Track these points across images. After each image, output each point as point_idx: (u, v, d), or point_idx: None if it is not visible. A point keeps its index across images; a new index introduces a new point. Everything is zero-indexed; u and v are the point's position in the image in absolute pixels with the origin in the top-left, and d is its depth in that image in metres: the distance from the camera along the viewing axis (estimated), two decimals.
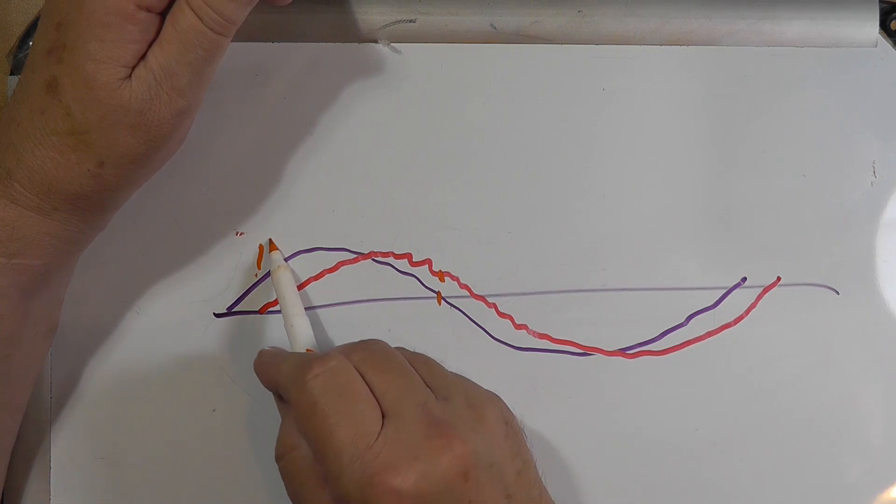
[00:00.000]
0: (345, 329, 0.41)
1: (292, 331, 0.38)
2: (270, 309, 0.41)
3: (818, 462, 0.42)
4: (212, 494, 0.41)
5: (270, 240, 0.41)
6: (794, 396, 0.42)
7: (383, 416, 0.33)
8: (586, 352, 0.41)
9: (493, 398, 0.36)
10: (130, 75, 0.32)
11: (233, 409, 0.41)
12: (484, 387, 0.37)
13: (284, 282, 0.39)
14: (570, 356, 0.41)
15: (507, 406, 0.36)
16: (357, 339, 0.41)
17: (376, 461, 0.31)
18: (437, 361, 0.37)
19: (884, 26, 0.42)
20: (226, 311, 0.41)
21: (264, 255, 0.41)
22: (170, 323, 0.41)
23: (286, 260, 0.41)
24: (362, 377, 0.34)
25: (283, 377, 0.35)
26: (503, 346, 0.41)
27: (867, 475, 0.42)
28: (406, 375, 0.34)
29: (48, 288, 0.36)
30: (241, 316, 0.41)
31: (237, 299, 0.41)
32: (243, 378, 0.41)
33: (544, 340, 0.41)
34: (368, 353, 0.35)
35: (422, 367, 0.36)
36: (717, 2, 0.42)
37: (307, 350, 0.37)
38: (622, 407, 0.41)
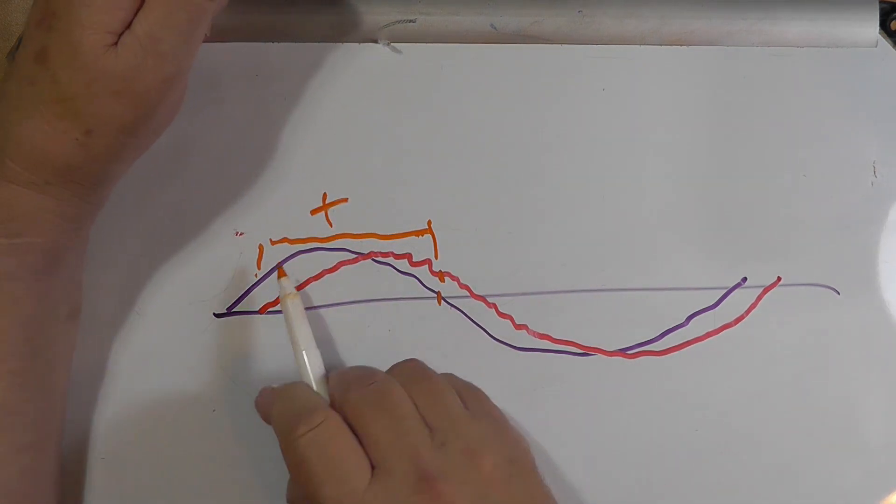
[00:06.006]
0: (345, 329, 0.41)
1: (302, 365, 0.38)
2: (270, 309, 0.41)
3: (818, 463, 0.41)
4: (212, 494, 0.41)
5: (280, 266, 0.40)
6: (795, 397, 0.41)
7: (373, 469, 0.33)
8: (586, 352, 0.41)
9: (500, 436, 0.35)
10: (117, 42, 0.32)
11: (233, 409, 0.41)
12: (499, 408, 0.38)
13: (295, 312, 0.38)
14: (570, 356, 0.41)
15: (519, 439, 0.36)
16: (357, 340, 0.41)
17: None
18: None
19: (884, 26, 0.42)
20: (226, 311, 0.41)
21: (278, 282, 0.40)
22: (170, 323, 0.41)
23: (287, 259, 0.41)
24: (354, 425, 0.34)
25: (275, 427, 0.35)
26: (503, 346, 0.41)
27: (867, 476, 0.41)
28: (401, 420, 0.34)
29: (60, 269, 0.36)
30: (241, 316, 0.41)
31: (237, 299, 0.41)
32: (243, 378, 0.41)
33: (544, 340, 0.41)
34: (365, 393, 0.35)
35: (429, 398, 0.35)
36: (717, 2, 0.42)
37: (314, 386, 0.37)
38: (622, 407, 0.41)
